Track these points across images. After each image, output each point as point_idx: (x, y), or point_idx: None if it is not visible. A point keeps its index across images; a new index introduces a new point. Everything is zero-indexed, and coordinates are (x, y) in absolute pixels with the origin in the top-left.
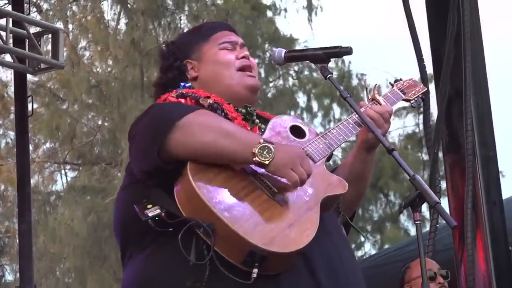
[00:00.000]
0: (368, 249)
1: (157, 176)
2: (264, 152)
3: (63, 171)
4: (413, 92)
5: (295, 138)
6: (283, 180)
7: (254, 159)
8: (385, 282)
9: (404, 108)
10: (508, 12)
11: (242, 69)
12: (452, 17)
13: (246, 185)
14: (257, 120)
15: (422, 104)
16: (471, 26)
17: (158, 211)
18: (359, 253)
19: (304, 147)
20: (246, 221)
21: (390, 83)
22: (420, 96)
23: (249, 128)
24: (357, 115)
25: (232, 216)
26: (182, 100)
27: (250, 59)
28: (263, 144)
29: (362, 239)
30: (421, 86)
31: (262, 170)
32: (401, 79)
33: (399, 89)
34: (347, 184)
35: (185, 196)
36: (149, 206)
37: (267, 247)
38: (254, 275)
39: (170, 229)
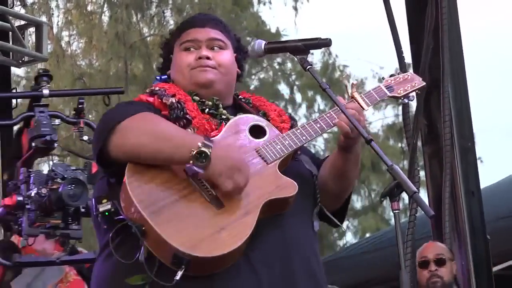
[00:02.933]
0: (350, 238)
1: (111, 175)
2: (201, 157)
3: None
4: (404, 88)
5: (252, 139)
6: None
7: (190, 163)
8: (366, 269)
9: (383, 100)
10: (486, 6)
11: (194, 67)
12: (431, 10)
13: (184, 187)
14: (224, 111)
15: (413, 99)
16: (449, 19)
17: (108, 206)
18: (340, 243)
19: (259, 147)
20: (173, 224)
21: (382, 78)
22: (415, 91)
23: (214, 127)
24: (327, 115)
25: (160, 218)
26: (151, 99)
27: (218, 55)
28: (200, 149)
29: (345, 227)
30: (418, 81)
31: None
32: (394, 74)
33: (386, 86)
34: (295, 186)
35: (124, 196)
36: (104, 201)
37: (189, 251)
38: (177, 278)
39: (109, 225)
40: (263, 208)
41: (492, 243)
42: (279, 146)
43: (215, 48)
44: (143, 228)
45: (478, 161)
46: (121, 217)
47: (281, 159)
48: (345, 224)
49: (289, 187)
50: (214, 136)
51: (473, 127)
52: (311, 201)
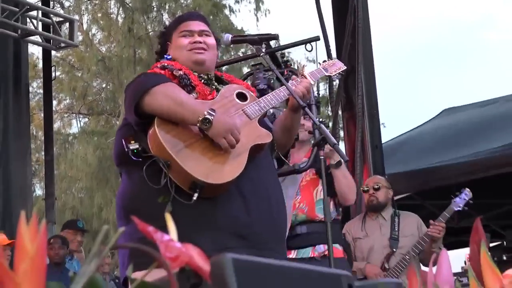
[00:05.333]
0: None
1: (139, 125)
2: (205, 122)
3: (78, 119)
4: (334, 69)
5: (238, 101)
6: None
7: (197, 124)
8: None
9: (322, 77)
10: (390, 14)
11: (191, 49)
12: (350, 18)
13: (196, 134)
14: (215, 83)
15: (340, 77)
16: (363, 24)
17: (137, 146)
18: None
19: (243, 108)
20: (191, 160)
21: (318, 62)
22: (341, 72)
23: (208, 92)
24: (288, 84)
25: (182, 156)
26: (162, 71)
27: (206, 40)
28: (204, 117)
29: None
30: (342, 65)
31: None
32: (326, 60)
33: (323, 68)
34: (271, 135)
35: (152, 139)
36: (132, 141)
37: (204, 179)
38: (194, 198)
39: (140, 159)
40: (250, 150)
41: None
42: (257, 107)
43: (204, 35)
44: (169, 163)
45: (382, 125)
46: (149, 154)
47: (259, 116)
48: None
49: (266, 136)
50: (210, 99)
51: (378, 100)
52: (271, 148)
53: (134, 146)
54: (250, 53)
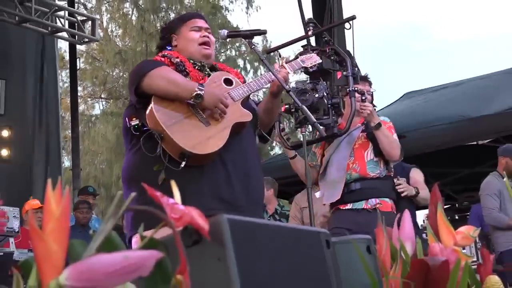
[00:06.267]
0: (277, 150)
1: (140, 103)
2: (198, 97)
3: (99, 103)
4: (311, 62)
5: (225, 86)
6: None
7: (191, 100)
8: (287, 169)
9: (299, 68)
10: (361, 13)
11: (201, 43)
12: (327, 16)
13: (186, 111)
14: (208, 70)
15: (315, 68)
16: (338, 17)
17: (137, 122)
18: (272, 152)
19: (229, 91)
20: (181, 133)
21: (295, 55)
22: (316, 64)
23: (201, 77)
24: (269, 73)
25: (173, 129)
26: (163, 59)
27: (210, 37)
28: (197, 92)
29: (274, 144)
30: (318, 58)
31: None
32: (303, 53)
33: (300, 60)
34: (251, 115)
35: (149, 115)
36: (133, 118)
37: (190, 150)
38: (182, 166)
39: (137, 133)
40: (232, 127)
41: None
42: (241, 91)
43: (208, 32)
44: (162, 135)
45: None
46: (146, 128)
47: (242, 98)
48: (274, 143)
49: (247, 116)
50: (202, 83)
51: None
52: (254, 126)
53: (135, 122)
54: (245, 46)
